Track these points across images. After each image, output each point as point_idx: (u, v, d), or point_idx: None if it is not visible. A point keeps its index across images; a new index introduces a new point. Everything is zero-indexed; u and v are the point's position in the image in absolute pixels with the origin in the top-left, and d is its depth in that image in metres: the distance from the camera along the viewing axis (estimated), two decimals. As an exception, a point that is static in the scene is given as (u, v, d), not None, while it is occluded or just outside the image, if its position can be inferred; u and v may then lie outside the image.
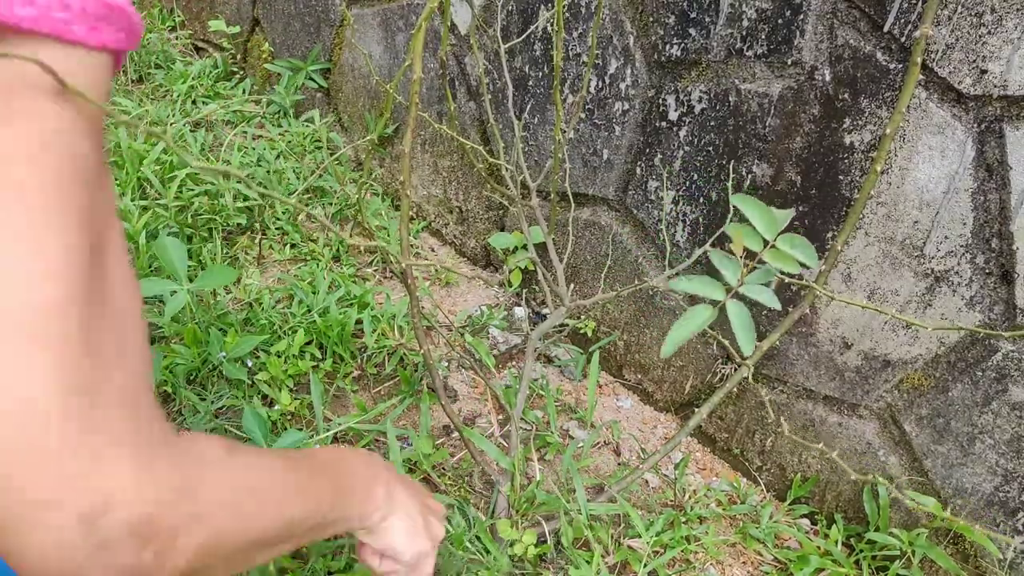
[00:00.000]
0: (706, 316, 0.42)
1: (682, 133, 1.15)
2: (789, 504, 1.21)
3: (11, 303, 0.33)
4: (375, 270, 1.58)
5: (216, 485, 0.43)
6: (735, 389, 1.23)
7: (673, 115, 1.16)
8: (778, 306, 0.43)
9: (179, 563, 0.39)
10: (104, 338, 0.37)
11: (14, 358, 0.33)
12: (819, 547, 1.12)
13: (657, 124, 1.18)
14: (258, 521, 0.47)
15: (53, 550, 0.33)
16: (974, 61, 0.84)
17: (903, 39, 0.88)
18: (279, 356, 1.22)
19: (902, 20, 0.88)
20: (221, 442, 0.47)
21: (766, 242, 0.45)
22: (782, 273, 0.59)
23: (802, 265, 0.51)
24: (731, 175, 1.11)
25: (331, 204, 1.67)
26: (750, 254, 0.47)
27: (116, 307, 0.40)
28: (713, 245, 1.15)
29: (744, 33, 1.02)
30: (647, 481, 1.24)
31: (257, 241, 1.52)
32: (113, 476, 0.35)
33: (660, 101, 1.17)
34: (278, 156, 1.75)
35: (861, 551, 1.11)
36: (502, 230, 1.57)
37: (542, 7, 1.27)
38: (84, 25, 0.37)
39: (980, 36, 0.82)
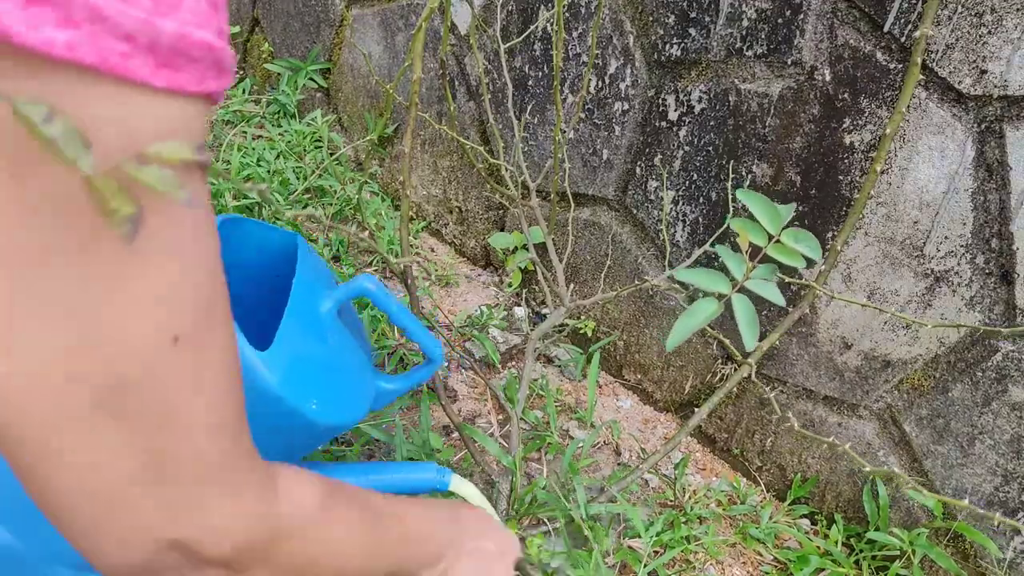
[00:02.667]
0: (712, 310, 0.42)
1: (682, 133, 1.15)
2: (789, 504, 1.21)
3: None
4: (375, 270, 1.58)
5: (297, 545, 0.45)
6: (735, 389, 1.23)
7: (673, 115, 1.16)
8: (782, 302, 0.43)
9: None
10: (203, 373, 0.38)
11: None
12: (819, 547, 1.12)
13: (657, 124, 1.18)
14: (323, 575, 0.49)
15: (126, 558, 0.37)
16: (974, 61, 0.84)
17: (903, 39, 0.88)
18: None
19: (902, 20, 0.88)
20: (318, 489, 0.48)
21: (770, 237, 0.44)
22: (783, 271, 0.58)
23: (807, 261, 0.51)
24: (731, 175, 1.11)
25: (331, 204, 1.67)
26: (754, 249, 0.46)
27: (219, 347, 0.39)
28: (712, 245, 1.15)
29: (744, 33, 1.02)
30: (647, 481, 1.24)
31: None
32: (200, 521, 0.39)
33: (660, 101, 1.17)
34: (278, 156, 1.75)
35: (861, 551, 1.11)
36: (502, 230, 1.57)
37: (542, 7, 1.27)
38: (151, 60, 0.29)
39: (980, 36, 0.82)
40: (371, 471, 0.86)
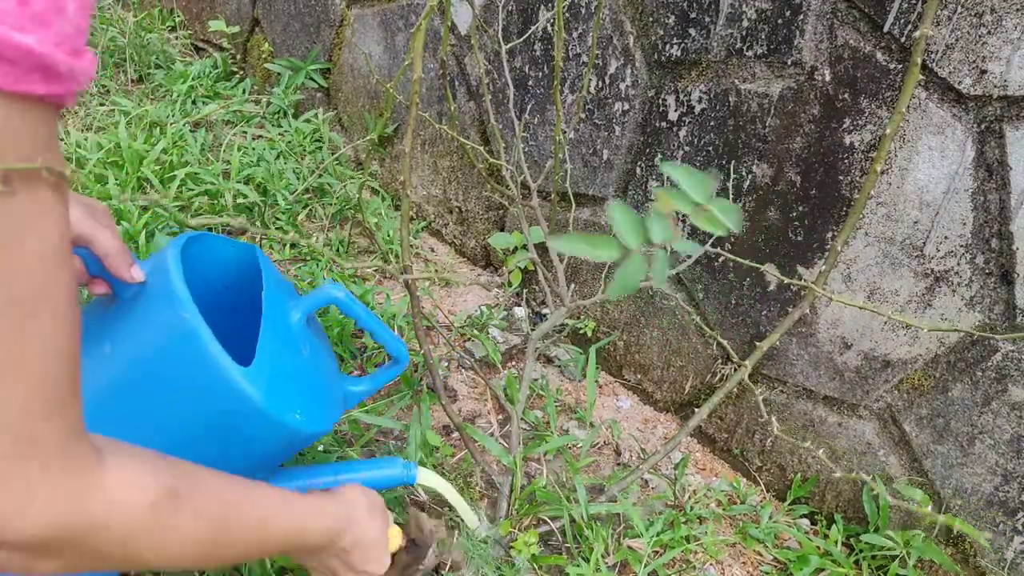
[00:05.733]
0: (607, 248, 0.41)
1: (682, 133, 1.15)
2: (789, 504, 1.21)
3: None
4: (375, 270, 1.58)
5: (114, 539, 0.44)
6: (735, 389, 1.23)
7: (673, 115, 1.16)
8: (663, 282, 0.42)
9: (47, 570, 0.42)
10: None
11: None
12: (819, 547, 1.12)
13: (657, 124, 1.18)
14: (150, 565, 0.49)
15: None
16: (974, 61, 0.84)
17: (903, 39, 0.88)
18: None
19: (902, 20, 0.88)
20: (155, 487, 0.47)
21: (697, 205, 0.44)
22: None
23: (729, 230, 0.50)
24: (731, 175, 1.11)
25: (331, 204, 1.67)
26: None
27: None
28: (713, 245, 1.15)
29: (744, 33, 1.02)
30: (647, 481, 1.24)
31: (257, 241, 1.52)
32: (12, 499, 0.38)
33: (660, 101, 1.17)
34: (278, 156, 1.75)
35: (861, 551, 1.11)
36: (502, 230, 1.57)
37: (542, 7, 1.27)
38: None
39: (980, 36, 0.83)
40: (339, 471, 0.87)
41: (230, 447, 0.72)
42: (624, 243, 0.41)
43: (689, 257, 1.19)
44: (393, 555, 0.82)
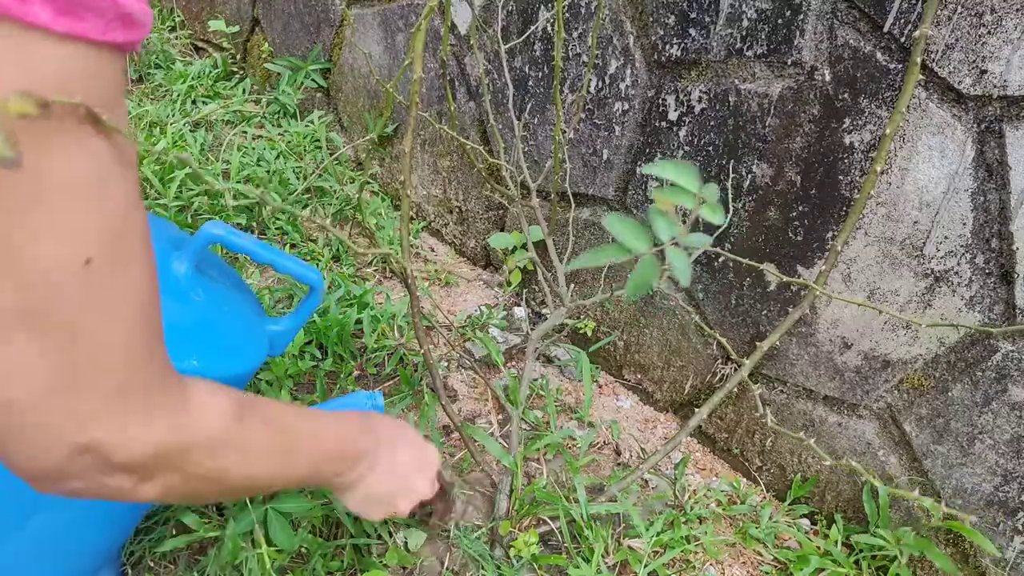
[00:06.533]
0: (614, 253, 0.41)
1: (682, 133, 1.15)
2: (789, 504, 1.21)
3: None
4: (375, 270, 1.58)
5: (206, 454, 0.49)
6: (735, 389, 1.23)
7: (673, 115, 1.16)
8: (687, 280, 0.42)
9: (149, 494, 0.46)
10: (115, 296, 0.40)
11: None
12: (819, 547, 1.12)
13: (657, 124, 1.18)
14: (233, 483, 0.53)
15: (41, 462, 0.40)
16: (974, 61, 0.84)
17: (903, 39, 0.88)
18: (279, 356, 1.22)
19: (902, 20, 0.88)
20: (230, 403, 0.51)
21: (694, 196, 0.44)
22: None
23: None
24: (731, 175, 1.11)
25: (331, 204, 1.67)
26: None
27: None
28: (713, 245, 1.15)
29: (744, 33, 1.02)
30: (647, 481, 1.24)
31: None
32: (110, 428, 0.41)
33: (660, 101, 1.17)
34: (278, 156, 1.75)
35: (861, 551, 1.11)
36: (502, 230, 1.57)
37: (542, 7, 1.27)
38: (50, 7, 0.31)
39: (980, 36, 0.82)
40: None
41: None
42: (631, 249, 0.41)
43: (688, 255, 1.18)
44: (427, 503, 0.83)
